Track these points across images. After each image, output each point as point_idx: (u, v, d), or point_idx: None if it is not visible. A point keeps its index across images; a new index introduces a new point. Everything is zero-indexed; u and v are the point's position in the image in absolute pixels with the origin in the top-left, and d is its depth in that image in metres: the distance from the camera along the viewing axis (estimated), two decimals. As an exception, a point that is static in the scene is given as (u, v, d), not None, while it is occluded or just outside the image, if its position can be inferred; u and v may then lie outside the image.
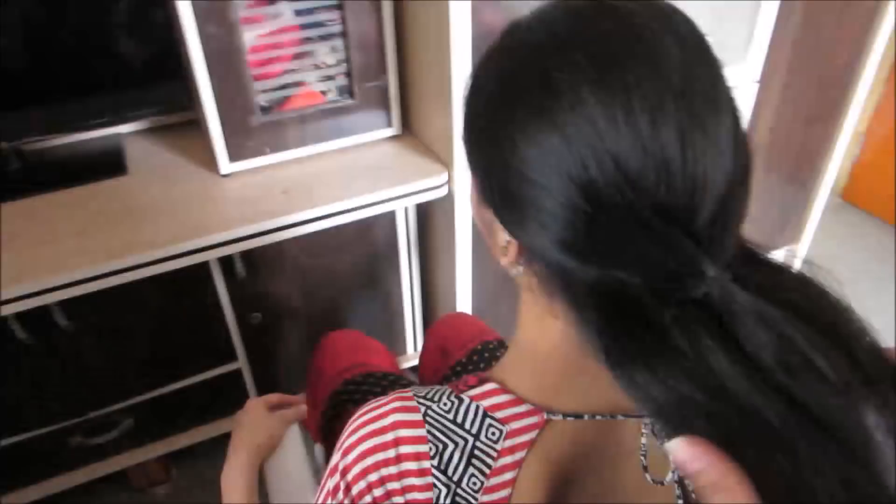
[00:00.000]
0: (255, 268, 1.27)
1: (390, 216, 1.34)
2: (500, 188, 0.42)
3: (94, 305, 1.16)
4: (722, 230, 0.38)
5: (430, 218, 1.41)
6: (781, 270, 0.40)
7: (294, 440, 0.87)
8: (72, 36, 1.16)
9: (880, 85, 2.19)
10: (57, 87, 1.20)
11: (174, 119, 1.38)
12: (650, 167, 0.36)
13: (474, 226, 1.29)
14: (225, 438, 1.49)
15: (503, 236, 0.45)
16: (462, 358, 1.02)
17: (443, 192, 1.23)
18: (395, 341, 1.56)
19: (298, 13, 1.15)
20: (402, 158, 1.27)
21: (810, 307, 0.36)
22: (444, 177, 1.22)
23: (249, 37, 1.12)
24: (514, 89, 0.40)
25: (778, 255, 2.02)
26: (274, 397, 0.93)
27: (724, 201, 0.38)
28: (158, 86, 1.29)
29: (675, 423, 0.34)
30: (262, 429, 0.86)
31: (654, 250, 0.37)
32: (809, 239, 1.99)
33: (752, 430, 0.32)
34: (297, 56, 1.19)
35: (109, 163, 1.25)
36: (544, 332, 0.48)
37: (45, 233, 1.08)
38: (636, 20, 0.38)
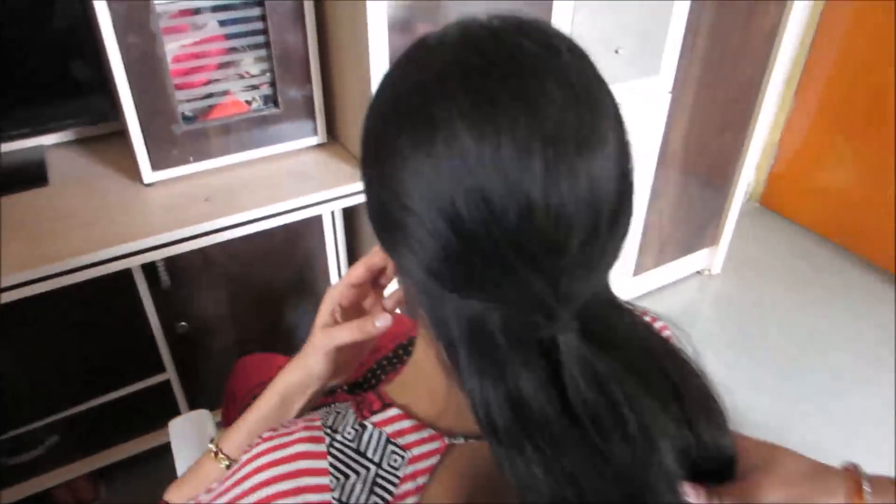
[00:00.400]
0: (181, 276, 1.28)
1: (318, 222, 1.36)
2: (378, 208, 0.44)
3: (13, 318, 1.15)
4: (583, 272, 0.40)
5: (358, 226, 1.44)
6: (633, 323, 0.45)
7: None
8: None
9: (790, 99, 2.34)
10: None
11: (99, 130, 1.37)
12: (513, 207, 0.37)
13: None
14: (155, 453, 1.49)
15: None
16: (389, 353, 1.04)
17: (367, 197, 1.26)
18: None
19: (223, 23, 1.18)
20: (327, 165, 1.30)
21: (645, 362, 0.43)
22: (368, 183, 1.25)
23: (173, 46, 1.13)
24: (399, 113, 0.41)
25: (700, 255, 2.12)
26: (356, 274, 0.62)
27: (587, 245, 0.39)
28: (83, 97, 1.29)
29: (485, 426, 0.42)
30: (301, 356, 0.64)
31: (509, 289, 0.39)
32: (728, 240, 2.09)
33: (533, 445, 0.40)
34: (222, 66, 1.21)
35: (30, 174, 1.24)
36: (431, 350, 0.49)
37: (-39, 243, 1.07)
38: (525, 60, 0.39)
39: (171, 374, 1.39)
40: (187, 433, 0.83)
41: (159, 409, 1.43)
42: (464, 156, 0.37)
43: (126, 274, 1.20)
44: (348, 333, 0.60)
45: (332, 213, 1.36)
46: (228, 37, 1.19)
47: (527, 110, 0.37)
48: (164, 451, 1.48)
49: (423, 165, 0.39)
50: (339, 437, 0.49)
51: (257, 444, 0.50)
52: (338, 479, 0.48)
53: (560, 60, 0.39)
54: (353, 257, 1.49)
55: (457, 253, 0.39)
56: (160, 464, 1.53)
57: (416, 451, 0.50)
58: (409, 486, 0.49)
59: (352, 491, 0.48)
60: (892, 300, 2.12)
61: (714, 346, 1.91)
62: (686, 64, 1.60)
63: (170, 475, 1.52)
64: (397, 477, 0.49)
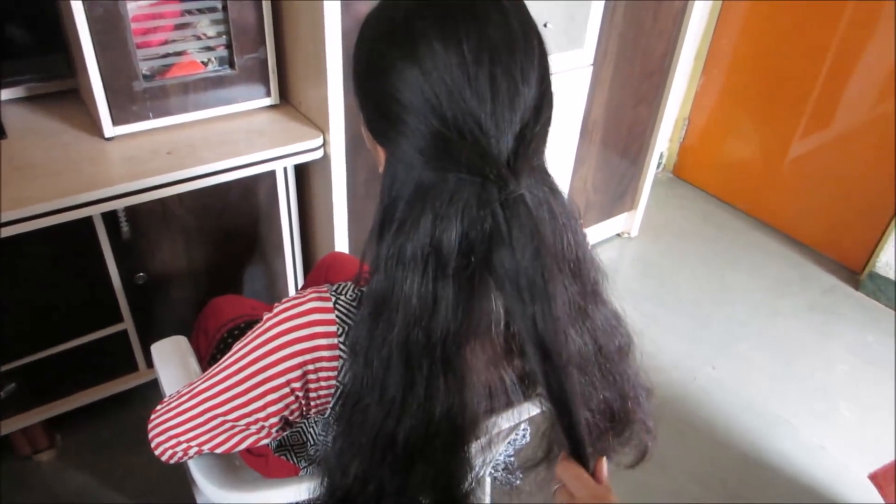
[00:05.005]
0: (141, 228, 1.34)
1: (271, 178, 1.45)
2: (375, 108, 0.57)
3: (-25, 264, 1.19)
4: (524, 151, 0.53)
5: (308, 183, 1.53)
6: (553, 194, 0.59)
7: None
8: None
9: (698, 77, 2.56)
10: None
11: (49, 88, 1.40)
12: (475, 99, 0.51)
13: (349, 186, 1.44)
14: (111, 401, 1.54)
15: (379, 149, 0.60)
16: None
17: (319, 154, 1.37)
18: (277, 300, 1.67)
19: (178, -13, 1.24)
20: (280, 125, 1.39)
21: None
22: (319, 140, 1.35)
23: (131, 7, 1.19)
24: (387, 34, 0.55)
25: (620, 220, 2.32)
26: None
27: (524, 131, 0.53)
28: (35, 54, 1.33)
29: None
30: None
31: (476, 160, 0.51)
32: (644, 205, 2.30)
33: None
34: (179, 27, 1.27)
35: (-14, 127, 1.27)
36: None
37: (-76, 191, 1.10)
38: None
39: (128, 324, 1.45)
40: (169, 355, 0.92)
41: (115, 359, 1.49)
42: (439, 61, 0.51)
43: (87, 223, 1.26)
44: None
45: (285, 169, 1.46)
46: (184, -1, 1.26)
47: (478, 27, 0.51)
48: (120, 400, 1.56)
49: (413, 69, 0.52)
50: (342, 297, 0.63)
51: (276, 308, 0.63)
52: (343, 327, 0.61)
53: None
54: (303, 213, 1.59)
55: (440, 135, 0.52)
56: (115, 413, 1.60)
57: None
58: None
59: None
60: (785, 256, 2.39)
61: (634, 300, 2.12)
62: (605, 39, 1.77)
63: (135, 410, 1.57)
64: None
